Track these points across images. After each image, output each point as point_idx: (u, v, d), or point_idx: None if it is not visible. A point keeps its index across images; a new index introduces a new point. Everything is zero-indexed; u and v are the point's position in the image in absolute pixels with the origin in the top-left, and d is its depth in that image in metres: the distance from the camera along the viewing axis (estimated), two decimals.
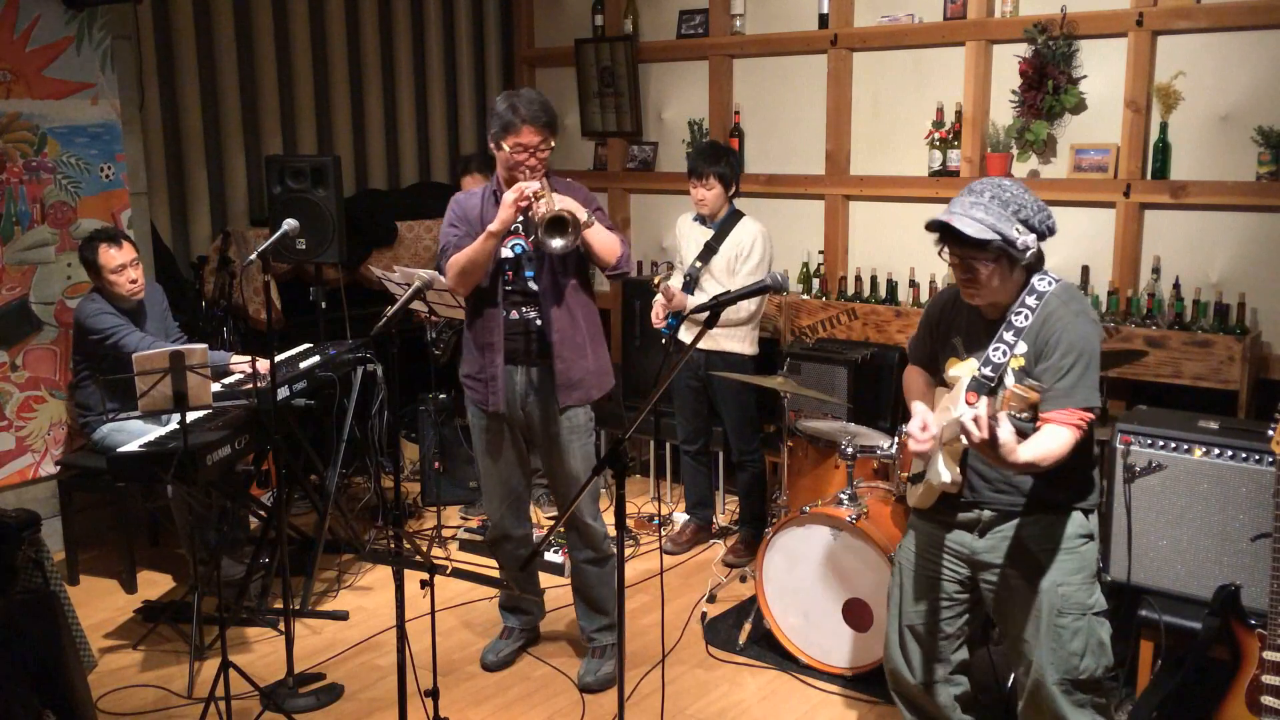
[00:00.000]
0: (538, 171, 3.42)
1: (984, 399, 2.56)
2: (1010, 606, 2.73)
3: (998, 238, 2.51)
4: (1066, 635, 2.64)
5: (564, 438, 3.58)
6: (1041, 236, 2.58)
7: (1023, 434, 2.56)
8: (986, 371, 2.63)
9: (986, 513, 2.71)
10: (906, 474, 3.01)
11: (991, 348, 2.63)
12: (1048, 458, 2.50)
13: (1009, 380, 2.60)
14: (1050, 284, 2.61)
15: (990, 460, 2.53)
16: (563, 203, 3.31)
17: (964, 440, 2.45)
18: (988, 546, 2.73)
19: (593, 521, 3.67)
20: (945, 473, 2.66)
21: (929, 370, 2.89)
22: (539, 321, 3.50)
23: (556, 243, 3.25)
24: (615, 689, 3.60)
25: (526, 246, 3.50)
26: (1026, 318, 2.60)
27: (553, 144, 3.48)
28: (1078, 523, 2.67)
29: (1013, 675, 3.27)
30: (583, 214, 3.32)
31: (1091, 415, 2.56)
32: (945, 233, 2.59)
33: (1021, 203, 2.56)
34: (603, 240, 3.43)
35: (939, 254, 2.64)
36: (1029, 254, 2.56)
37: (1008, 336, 2.62)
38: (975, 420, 2.38)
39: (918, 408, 2.73)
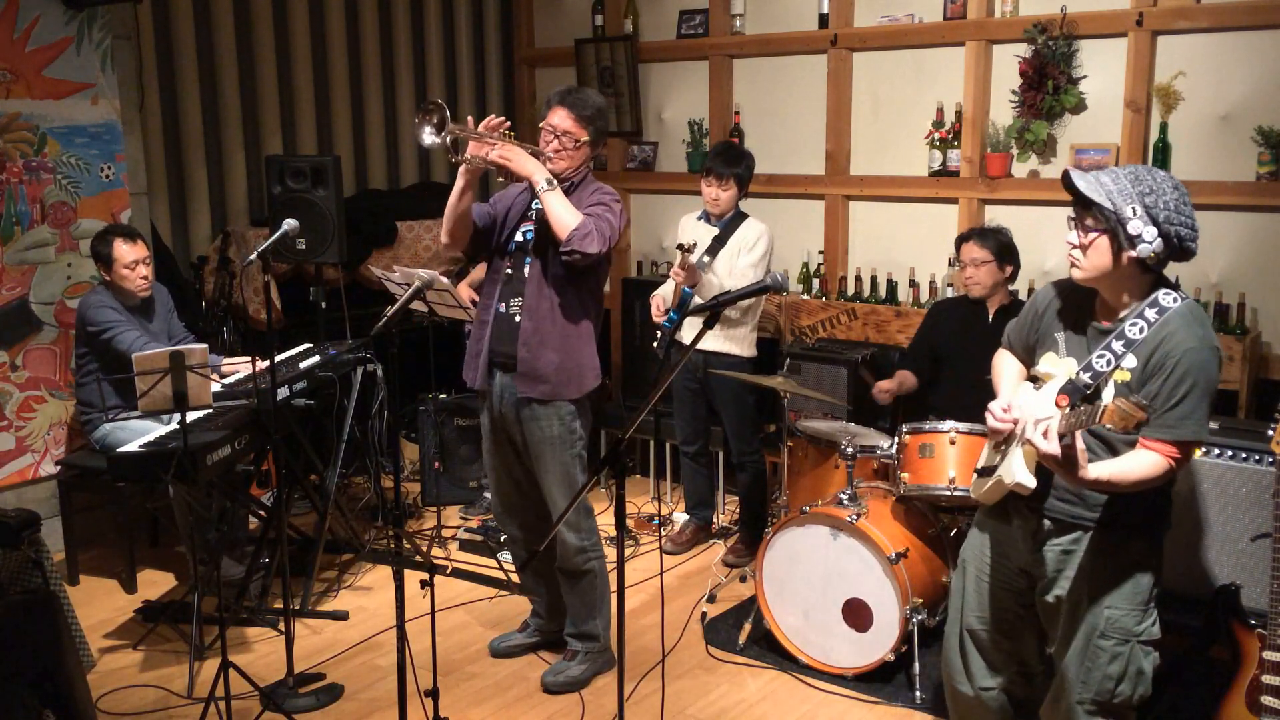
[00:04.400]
0: (563, 162, 3.43)
1: (1057, 412, 2.40)
2: (1053, 619, 2.64)
3: (1109, 204, 2.35)
4: (1104, 658, 2.53)
5: (535, 447, 3.52)
6: (1167, 240, 2.36)
7: (1115, 451, 2.46)
8: (1085, 377, 2.45)
9: (1048, 523, 2.58)
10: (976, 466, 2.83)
11: (1096, 354, 2.45)
12: (1125, 480, 2.38)
13: (1108, 393, 2.42)
14: (1175, 300, 2.41)
15: (1057, 473, 2.42)
16: (515, 156, 3.31)
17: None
18: (1046, 558, 2.60)
19: (568, 533, 3.57)
20: (1021, 474, 2.46)
21: (1022, 359, 2.74)
22: (517, 318, 3.47)
23: (422, 131, 3.22)
24: (578, 692, 3.64)
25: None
26: (1142, 330, 2.40)
27: (584, 140, 3.43)
28: (1139, 548, 2.53)
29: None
30: (537, 176, 3.32)
31: (1191, 451, 2.41)
32: (1070, 191, 2.44)
33: (1156, 192, 2.35)
34: (555, 211, 3.30)
35: (1068, 221, 2.46)
36: (1141, 245, 2.35)
37: (1116, 346, 2.42)
38: (1044, 433, 2.29)
39: (1005, 388, 2.63)
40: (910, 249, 5.10)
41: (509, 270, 3.52)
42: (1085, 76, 4.59)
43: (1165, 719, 2.99)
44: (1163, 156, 4.42)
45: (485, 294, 3.61)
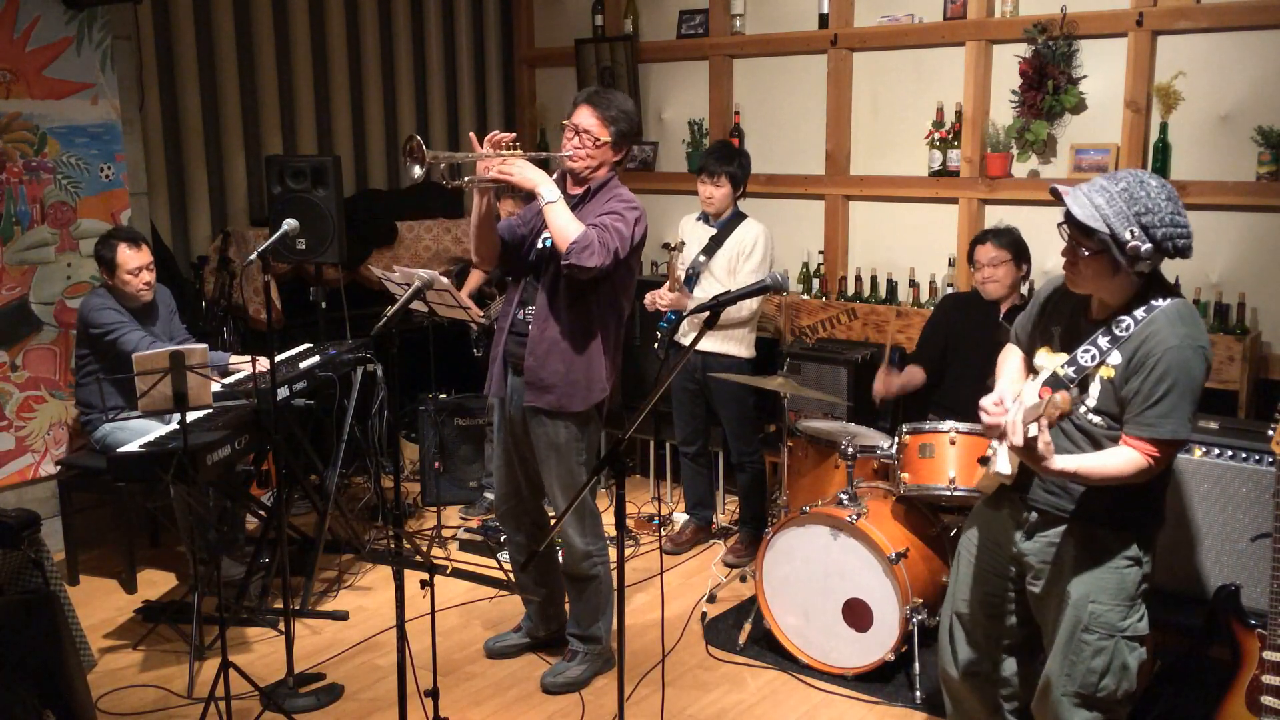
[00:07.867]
0: (580, 161, 3.40)
1: (1025, 402, 2.44)
2: (1044, 612, 2.67)
3: (1105, 230, 2.34)
4: (1088, 652, 2.55)
5: (542, 451, 3.53)
6: (1163, 251, 2.36)
7: (1099, 445, 2.49)
8: (1070, 371, 2.49)
9: (1034, 514, 2.62)
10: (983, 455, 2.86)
11: (1082, 349, 2.49)
12: (1094, 474, 2.42)
13: (1093, 388, 2.47)
14: (1167, 300, 2.44)
15: (1026, 462, 2.45)
16: (516, 169, 3.24)
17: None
18: (1034, 549, 2.63)
19: (575, 537, 3.59)
20: (1002, 463, 2.53)
21: (1028, 352, 2.75)
22: (529, 324, 3.47)
23: (412, 169, 3.15)
24: (578, 692, 3.64)
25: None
26: (1128, 328, 2.43)
27: (604, 140, 3.37)
28: (1125, 543, 2.54)
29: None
30: (541, 188, 3.25)
31: (1171, 449, 2.42)
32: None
33: (1152, 207, 2.34)
34: (556, 224, 3.25)
35: (1059, 228, 2.48)
36: (1139, 263, 2.35)
37: (1102, 342, 2.46)
38: (1010, 424, 2.33)
39: (1003, 381, 2.66)
40: (910, 249, 5.10)
41: (529, 276, 3.51)
42: (1085, 76, 4.59)
43: (1165, 719, 2.99)
44: (1163, 157, 4.42)
45: (506, 299, 3.62)
